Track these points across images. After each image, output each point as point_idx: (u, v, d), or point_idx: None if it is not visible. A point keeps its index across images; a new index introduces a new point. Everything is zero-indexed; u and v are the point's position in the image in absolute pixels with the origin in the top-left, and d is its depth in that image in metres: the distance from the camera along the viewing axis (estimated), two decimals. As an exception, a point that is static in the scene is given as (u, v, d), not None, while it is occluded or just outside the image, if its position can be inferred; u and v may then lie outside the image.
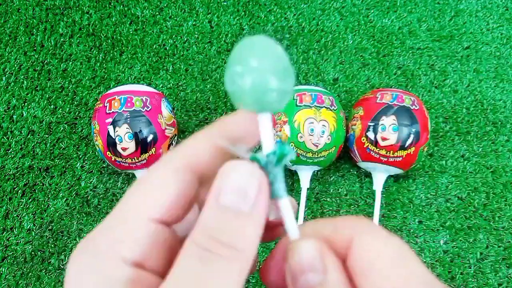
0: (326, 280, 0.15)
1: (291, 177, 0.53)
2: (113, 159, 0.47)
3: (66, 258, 0.50)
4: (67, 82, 0.58)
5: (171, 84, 0.58)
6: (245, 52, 0.16)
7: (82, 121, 0.56)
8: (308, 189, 0.52)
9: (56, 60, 0.60)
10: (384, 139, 0.46)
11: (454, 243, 0.50)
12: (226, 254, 0.14)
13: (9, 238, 0.51)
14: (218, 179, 0.15)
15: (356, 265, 0.15)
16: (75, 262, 0.15)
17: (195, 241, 0.14)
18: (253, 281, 0.49)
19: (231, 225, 0.14)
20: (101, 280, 0.14)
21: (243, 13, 0.63)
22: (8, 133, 0.55)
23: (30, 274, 0.49)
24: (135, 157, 0.46)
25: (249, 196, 0.14)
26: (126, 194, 0.16)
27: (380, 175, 0.50)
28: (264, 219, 0.15)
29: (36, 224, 0.51)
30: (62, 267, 0.49)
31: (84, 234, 0.51)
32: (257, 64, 0.15)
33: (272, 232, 0.18)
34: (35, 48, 0.60)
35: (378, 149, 0.47)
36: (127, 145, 0.45)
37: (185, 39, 0.61)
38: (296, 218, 0.51)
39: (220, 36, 0.61)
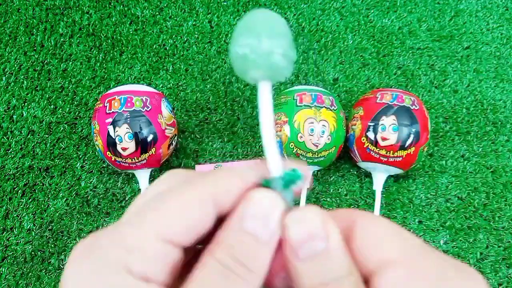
0: (329, 246, 0.15)
1: (291, 177, 0.53)
2: (113, 159, 0.47)
3: (66, 258, 0.50)
4: (67, 82, 0.58)
5: (171, 84, 0.58)
6: (254, 21, 0.17)
7: (82, 121, 0.56)
8: (308, 189, 0.52)
9: (56, 60, 0.60)
10: (384, 139, 0.46)
11: (454, 243, 0.50)
12: (243, 274, 0.15)
13: (9, 238, 0.51)
14: (245, 204, 0.16)
15: (358, 242, 0.16)
16: (75, 262, 0.14)
17: (216, 257, 0.15)
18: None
19: (251, 249, 0.15)
20: (102, 287, 0.14)
21: (243, 13, 0.63)
22: (8, 133, 0.55)
23: (30, 274, 0.49)
24: (135, 157, 0.46)
25: (271, 226, 0.16)
26: (147, 202, 0.16)
27: (380, 175, 0.50)
28: (276, 242, 0.16)
29: (36, 224, 0.51)
30: (62, 267, 0.49)
31: (84, 234, 0.51)
32: (269, 31, 0.16)
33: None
34: (35, 48, 0.60)
35: (378, 149, 0.47)
36: (127, 145, 0.45)
37: (185, 39, 0.61)
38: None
39: (220, 36, 0.61)
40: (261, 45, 0.16)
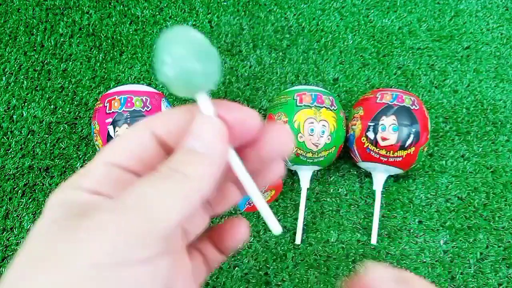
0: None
1: (291, 177, 0.53)
2: (113, 159, 0.47)
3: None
4: (67, 82, 0.58)
5: (171, 84, 0.58)
6: (166, 42, 0.18)
7: (82, 121, 0.56)
8: (308, 189, 0.52)
9: (56, 60, 0.60)
10: (384, 139, 0.46)
11: (454, 243, 0.50)
12: (177, 177, 0.17)
13: (9, 238, 0.51)
14: (190, 127, 0.18)
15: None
16: (50, 195, 0.18)
17: (157, 170, 0.18)
18: (253, 281, 0.49)
19: (187, 159, 0.18)
20: (62, 202, 0.17)
21: (243, 13, 0.63)
22: (8, 133, 0.55)
23: (30, 274, 0.49)
24: (135, 157, 0.46)
25: (205, 139, 0.18)
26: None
27: (380, 175, 0.50)
28: (219, 160, 0.18)
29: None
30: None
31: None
32: (179, 52, 0.17)
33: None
34: (35, 48, 0.61)
35: (378, 149, 0.47)
36: (127, 145, 0.45)
37: (185, 39, 0.61)
38: (296, 218, 0.51)
39: (220, 36, 0.61)
40: (177, 71, 0.18)
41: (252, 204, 0.47)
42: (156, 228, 0.16)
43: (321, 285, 0.49)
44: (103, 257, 0.15)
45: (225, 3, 0.63)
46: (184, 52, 0.17)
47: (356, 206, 0.52)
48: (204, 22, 0.62)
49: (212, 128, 0.18)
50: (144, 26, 0.62)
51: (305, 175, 0.50)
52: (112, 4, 0.63)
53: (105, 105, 0.46)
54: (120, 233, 0.15)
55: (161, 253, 0.17)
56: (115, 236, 0.15)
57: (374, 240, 0.49)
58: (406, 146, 0.46)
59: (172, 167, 0.17)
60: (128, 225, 0.16)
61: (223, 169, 0.19)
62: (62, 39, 0.61)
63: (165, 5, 0.63)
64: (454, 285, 0.48)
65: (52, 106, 0.57)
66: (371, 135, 0.47)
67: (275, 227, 0.20)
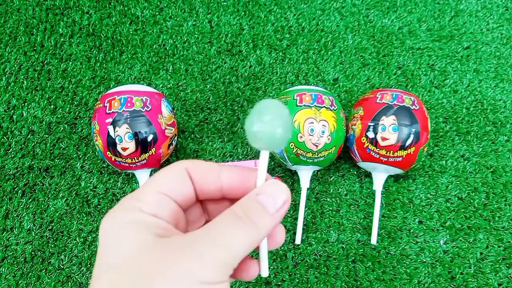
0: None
1: (291, 177, 0.53)
2: (113, 159, 0.47)
3: (66, 258, 0.50)
4: (67, 82, 0.58)
5: (171, 84, 0.58)
6: (266, 107, 0.23)
7: (82, 121, 0.56)
8: (308, 189, 0.52)
9: (56, 60, 0.60)
10: (384, 139, 0.46)
11: (454, 243, 0.50)
12: (248, 224, 0.21)
13: (9, 238, 0.51)
14: (263, 185, 0.23)
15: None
16: (106, 217, 0.21)
17: (232, 209, 0.22)
18: (253, 281, 0.49)
19: (259, 212, 0.22)
20: (129, 221, 0.21)
21: (243, 13, 0.63)
22: (8, 133, 0.55)
23: (30, 274, 0.49)
24: (135, 157, 0.46)
25: (277, 204, 0.22)
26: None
27: (380, 175, 0.50)
28: (279, 221, 0.23)
29: (36, 224, 0.51)
30: (62, 267, 0.49)
31: (84, 234, 0.51)
32: (274, 121, 0.23)
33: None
34: (35, 48, 0.61)
35: (378, 149, 0.47)
36: (127, 145, 0.45)
37: (185, 39, 0.61)
38: (296, 218, 0.51)
39: (220, 36, 0.61)
40: (270, 128, 0.23)
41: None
42: (233, 261, 0.20)
43: (321, 285, 0.49)
44: (206, 277, 0.19)
45: (225, 3, 0.63)
46: (271, 117, 0.23)
47: (356, 206, 0.52)
48: (204, 22, 0.62)
49: (285, 196, 0.23)
50: (144, 26, 0.62)
51: (305, 175, 0.50)
52: (112, 4, 0.63)
53: (105, 105, 0.46)
54: (214, 261, 0.20)
55: (228, 279, 0.21)
56: (211, 262, 0.19)
57: (374, 240, 0.49)
58: (406, 146, 0.46)
59: (245, 211, 0.22)
60: (218, 256, 0.20)
61: None
62: (62, 39, 0.61)
63: (165, 5, 0.63)
64: (454, 285, 0.48)
65: (52, 106, 0.57)
66: (371, 135, 0.47)
67: (265, 270, 0.26)
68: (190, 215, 0.25)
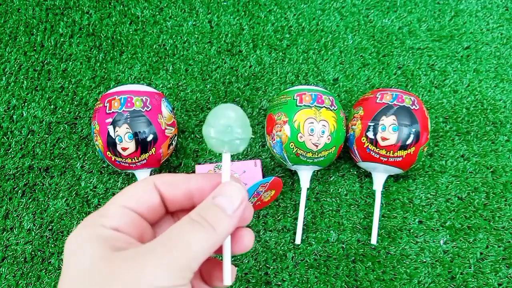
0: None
1: (291, 177, 0.53)
2: (113, 159, 0.47)
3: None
4: (67, 82, 0.58)
5: (171, 84, 0.58)
6: (219, 113, 0.24)
7: (82, 121, 0.56)
8: (308, 189, 0.52)
9: (56, 60, 0.60)
10: (384, 139, 0.46)
11: (454, 243, 0.50)
12: (206, 226, 0.21)
13: (9, 238, 0.51)
14: (219, 187, 0.23)
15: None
16: (70, 235, 0.22)
17: (189, 215, 0.22)
18: (253, 281, 0.49)
19: (215, 214, 0.22)
20: (95, 238, 0.21)
21: (243, 13, 0.63)
22: (8, 133, 0.55)
23: (30, 274, 0.49)
24: (135, 157, 0.46)
25: (234, 204, 0.23)
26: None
27: (380, 175, 0.50)
28: (237, 221, 0.23)
29: (36, 224, 0.51)
30: (62, 267, 0.49)
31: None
32: (222, 120, 0.24)
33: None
34: (35, 48, 0.61)
35: (378, 149, 0.47)
36: (127, 145, 0.45)
37: (185, 39, 0.61)
38: (296, 218, 0.51)
39: (220, 36, 0.61)
40: (229, 133, 0.24)
41: (253, 203, 0.47)
42: (190, 265, 0.21)
43: (321, 285, 0.49)
44: (160, 283, 0.20)
45: (225, 3, 0.63)
46: (226, 121, 0.24)
47: (356, 206, 0.52)
48: (204, 22, 0.62)
49: (241, 196, 0.23)
50: (144, 26, 0.62)
51: (305, 175, 0.50)
52: (112, 4, 0.63)
53: (105, 105, 0.46)
54: (169, 265, 0.20)
55: (188, 283, 0.21)
56: (166, 267, 0.20)
57: (374, 240, 0.49)
58: (406, 146, 0.46)
59: (203, 216, 0.22)
60: (172, 260, 0.20)
61: None
62: (62, 39, 0.61)
63: (165, 5, 0.63)
64: (454, 285, 0.48)
65: (52, 106, 0.57)
66: (371, 135, 0.47)
67: (228, 279, 0.24)
68: (161, 228, 0.26)
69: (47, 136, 0.55)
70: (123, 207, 0.23)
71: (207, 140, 0.24)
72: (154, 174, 0.23)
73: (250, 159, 0.54)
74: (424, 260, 0.49)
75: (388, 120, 0.46)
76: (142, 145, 0.46)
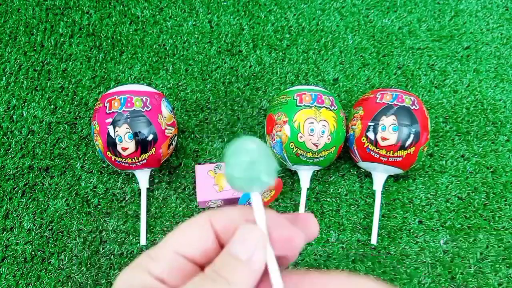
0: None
1: (291, 177, 0.53)
2: (113, 159, 0.47)
3: (66, 258, 0.50)
4: (67, 82, 0.58)
5: (171, 84, 0.58)
6: (238, 149, 0.21)
7: (82, 121, 0.56)
8: (308, 189, 0.52)
9: (56, 60, 0.60)
10: (384, 139, 0.46)
11: (454, 243, 0.50)
12: (218, 283, 0.19)
13: (9, 238, 0.51)
14: (235, 234, 0.21)
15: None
16: (120, 273, 0.21)
17: (205, 272, 0.20)
18: (253, 281, 0.49)
19: (230, 265, 0.20)
20: (129, 283, 0.20)
21: (243, 13, 0.63)
22: (8, 133, 0.55)
23: (30, 274, 0.49)
24: (135, 157, 0.46)
25: (248, 247, 0.20)
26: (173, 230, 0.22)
27: (380, 175, 0.50)
28: (258, 267, 0.20)
29: (36, 224, 0.51)
30: (62, 267, 0.49)
31: (84, 234, 0.51)
32: (251, 157, 0.21)
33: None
34: (35, 48, 0.61)
35: (378, 149, 0.47)
36: (127, 145, 0.45)
37: (185, 39, 0.61)
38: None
39: (220, 36, 0.61)
40: (254, 172, 0.21)
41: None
42: None
43: (321, 285, 0.49)
44: None
45: (225, 3, 0.63)
46: (247, 156, 0.21)
47: (356, 206, 0.52)
48: (204, 22, 0.62)
49: (254, 237, 0.20)
50: (144, 26, 0.62)
51: (305, 175, 0.50)
52: (112, 4, 0.63)
53: (105, 105, 0.46)
54: None
55: None
56: None
57: (374, 240, 0.49)
58: (406, 146, 0.46)
59: (216, 270, 0.20)
60: None
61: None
62: (62, 39, 0.61)
63: (165, 5, 0.63)
64: (454, 285, 0.48)
65: (52, 106, 0.57)
66: (371, 135, 0.47)
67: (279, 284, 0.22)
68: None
69: (47, 136, 0.55)
70: (175, 253, 0.21)
71: (231, 183, 0.22)
72: (205, 211, 0.22)
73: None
74: (424, 260, 0.49)
75: (388, 120, 0.46)
76: (142, 145, 0.46)
